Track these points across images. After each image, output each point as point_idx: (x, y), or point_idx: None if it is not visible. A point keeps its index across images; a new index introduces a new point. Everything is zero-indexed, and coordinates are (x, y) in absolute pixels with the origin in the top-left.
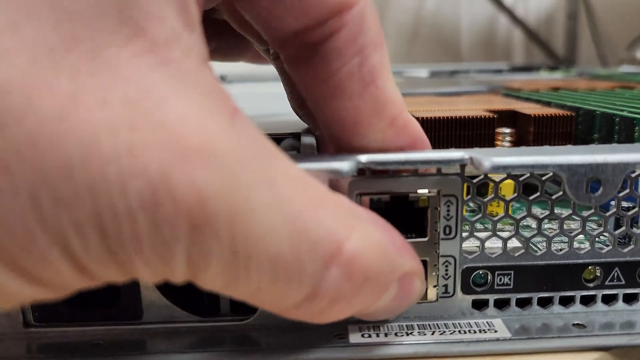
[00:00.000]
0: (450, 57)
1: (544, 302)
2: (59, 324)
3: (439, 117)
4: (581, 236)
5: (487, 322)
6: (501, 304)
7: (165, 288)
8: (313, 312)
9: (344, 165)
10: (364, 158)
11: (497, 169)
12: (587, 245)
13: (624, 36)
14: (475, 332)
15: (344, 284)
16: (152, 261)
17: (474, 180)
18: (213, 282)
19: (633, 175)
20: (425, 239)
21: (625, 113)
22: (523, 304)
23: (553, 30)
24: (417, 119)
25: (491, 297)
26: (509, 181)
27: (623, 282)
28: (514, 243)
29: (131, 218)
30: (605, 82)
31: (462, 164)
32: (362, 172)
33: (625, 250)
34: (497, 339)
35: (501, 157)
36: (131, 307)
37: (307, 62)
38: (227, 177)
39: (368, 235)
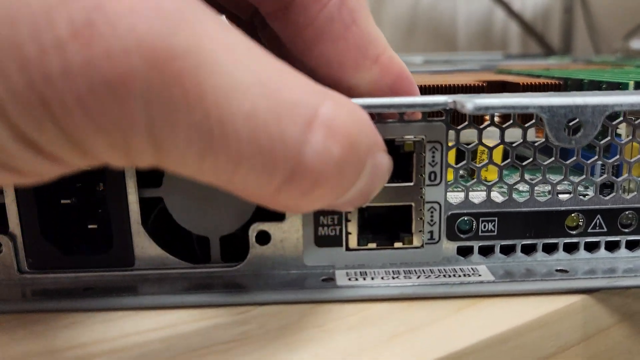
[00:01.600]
0: (447, 49)
1: (528, 249)
2: (52, 270)
3: (430, 85)
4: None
5: (471, 268)
6: (486, 251)
7: (158, 235)
8: (295, 196)
9: None
10: (357, 101)
11: (479, 109)
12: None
13: (618, 29)
14: (459, 276)
15: (329, 150)
16: (106, 130)
17: (459, 127)
18: (184, 161)
19: (614, 123)
20: (411, 184)
21: (611, 79)
22: (507, 251)
23: (549, 24)
24: None
25: (476, 244)
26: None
27: (605, 230)
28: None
29: (61, 50)
30: (598, 65)
31: (447, 110)
32: None
33: (607, 197)
34: (481, 282)
35: (483, 100)
36: (123, 254)
37: (287, 12)
38: (183, 27)
39: (342, 103)
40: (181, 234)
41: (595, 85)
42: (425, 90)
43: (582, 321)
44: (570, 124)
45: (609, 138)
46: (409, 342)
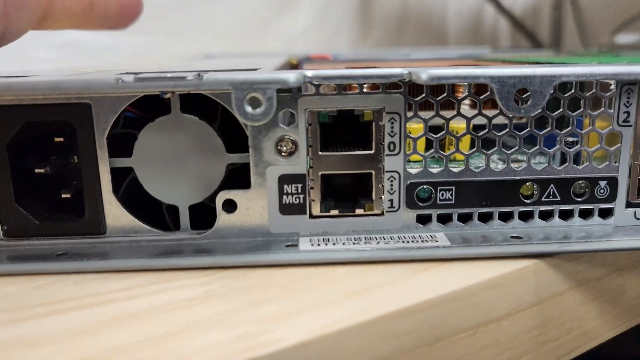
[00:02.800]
0: (437, 44)
1: (485, 218)
2: (27, 237)
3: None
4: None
5: (430, 235)
6: (444, 219)
7: (129, 204)
8: None
9: (291, 76)
10: (309, 72)
11: (433, 79)
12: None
13: (606, 24)
14: (418, 242)
15: None
16: None
17: (416, 99)
18: None
19: (566, 95)
20: (371, 152)
21: (568, 61)
22: (465, 219)
23: (539, 19)
24: None
25: (434, 212)
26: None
27: (559, 199)
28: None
29: None
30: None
31: (404, 82)
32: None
33: (560, 167)
34: (437, 247)
35: (436, 70)
36: (95, 221)
37: None
38: None
39: None
40: (152, 202)
41: None
42: None
43: (535, 285)
44: (524, 95)
45: (561, 110)
46: (363, 299)
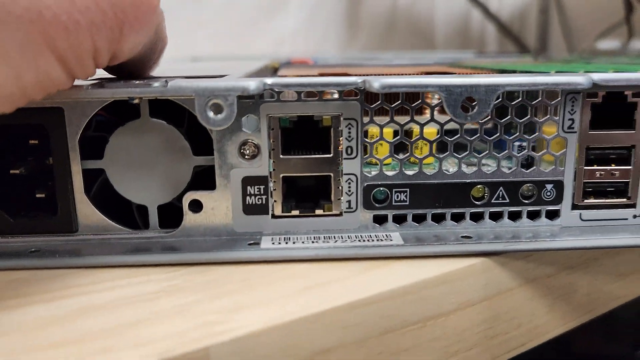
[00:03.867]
0: (425, 48)
1: (438, 218)
2: (2, 235)
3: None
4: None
5: (386, 234)
6: (399, 220)
7: (100, 203)
8: None
9: (251, 84)
10: (269, 80)
11: (384, 87)
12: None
13: (592, 29)
14: (373, 241)
15: None
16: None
17: (372, 105)
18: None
19: (514, 103)
20: (330, 155)
21: (531, 69)
22: (419, 219)
23: (525, 24)
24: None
25: (390, 213)
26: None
27: (507, 201)
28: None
29: None
30: (555, 62)
31: (360, 89)
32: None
33: (508, 171)
34: (391, 245)
35: (388, 79)
36: (67, 220)
37: None
38: None
39: None
40: (122, 202)
41: None
42: None
43: (483, 282)
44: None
45: (509, 117)
46: (316, 293)
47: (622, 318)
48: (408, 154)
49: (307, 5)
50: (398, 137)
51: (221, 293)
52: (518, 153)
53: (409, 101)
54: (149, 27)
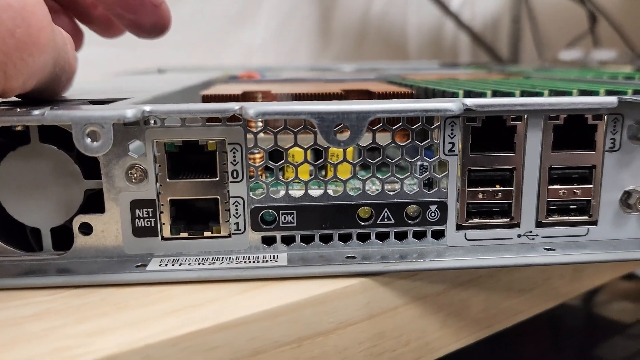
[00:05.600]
0: (398, 58)
1: (326, 239)
2: None
3: (297, 93)
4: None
5: (273, 256)
6: (288, 240)
7: None
8: None
9: (128, 112)
10: (148, 107)
11: (258, 115)
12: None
13: (562, 39)
14: (259, 262)
15: None
16: None
17: (255, 131)
18: None
19: (394, 127)
20: (216, 179)
21: (443, 88)
22: (308, 240)
23: (498, 34)
24: (272, 94)
25: (278, 234)
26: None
27: (393, 221)
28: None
29: None
30: (504, 75)
31: (240, 115)
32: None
33: (392, 193)
34: (272, 267)
35: (263, 106)
36: None
37: None
38: None
39: None
40: (16, 225)
41: (430, 93)
42: (293, 97)
43: (364, 301)
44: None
45: (391, 141)
46: (184, 316)
47: (568, 325)
48: (293, 177)
49: (279, 15)
50: (282, 160)
51: (90, 316)
52: (402, 176)
53: (292, 126)
54: (39, 65)
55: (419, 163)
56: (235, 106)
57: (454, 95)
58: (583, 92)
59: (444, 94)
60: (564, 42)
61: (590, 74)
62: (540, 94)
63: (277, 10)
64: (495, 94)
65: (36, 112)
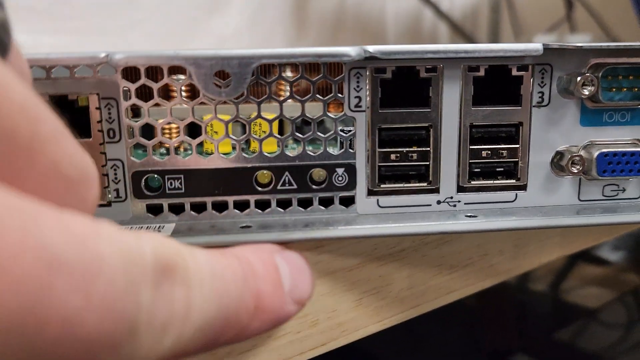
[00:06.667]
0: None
1: (220, 207)
2: None
3: None
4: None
5: (159, 226)
6: (178, 209)
7: None
8: None
9: None
10: None
11: (125, 60)
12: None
13: (540, 26)
14: None
15: None
16: None
17: (133, 84)
18: None
19: (270, 80)
20: (90, 139)
21: None
22: (200, 209)
23: (477, 23)
24: None
25: (165, 202)
26: None
27: (295, 187)
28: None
29: None
30: None
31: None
32: None
33: (293, 154)
34: None
35: (131, 52)
36: None
37: None
38: None
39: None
40: None
41: None
42: None
43: None
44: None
45: (266, 95)
46: None
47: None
48: (178, 135)
49: (252, 3)
50: (165, 119)
51: None
52: (303, 135)
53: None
54: None
55: (322, 119)
56: (103, 53)
57: None
58: None
59: None
60: (542, 29)
61: None
62: None
63: None
64: None
65: None
